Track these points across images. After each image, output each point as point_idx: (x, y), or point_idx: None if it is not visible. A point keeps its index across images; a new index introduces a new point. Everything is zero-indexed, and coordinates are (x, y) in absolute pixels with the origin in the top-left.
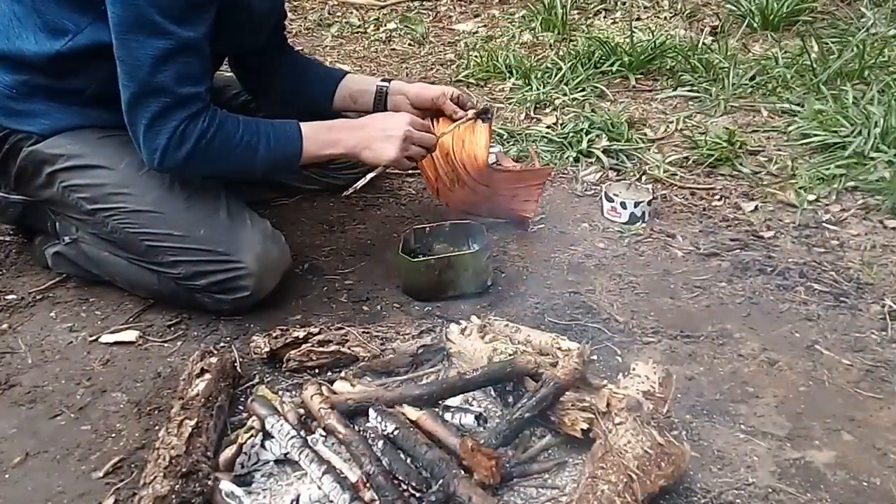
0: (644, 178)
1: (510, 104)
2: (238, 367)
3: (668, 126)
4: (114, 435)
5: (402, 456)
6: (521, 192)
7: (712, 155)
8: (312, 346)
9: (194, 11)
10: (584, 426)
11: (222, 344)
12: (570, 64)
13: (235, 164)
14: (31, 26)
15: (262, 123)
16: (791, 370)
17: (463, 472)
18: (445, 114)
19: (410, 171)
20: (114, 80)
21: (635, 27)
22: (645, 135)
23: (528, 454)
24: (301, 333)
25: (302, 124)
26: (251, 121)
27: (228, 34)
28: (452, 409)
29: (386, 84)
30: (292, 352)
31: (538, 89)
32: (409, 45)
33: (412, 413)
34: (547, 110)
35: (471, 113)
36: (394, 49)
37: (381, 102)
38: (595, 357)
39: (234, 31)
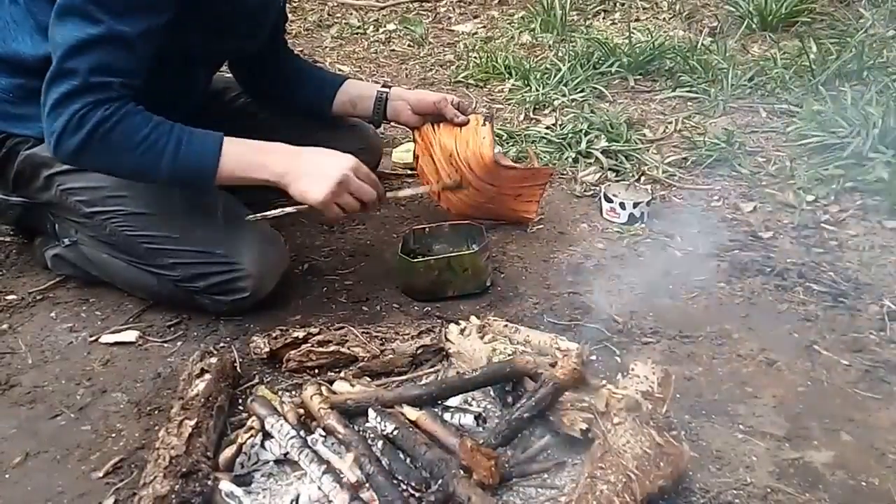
0: (643, 178)
1: (509, 105)
2: (238, 368)
3: (666, 127)
4: (114, 435)
5: (401, 456)
6: (525, 192)
7: (711, 155)
8: (312, 346)
9: (136, 7)
10: (583, 426)
11: (222, 344)
12: (569, 65)
13: (135, 163)
14: (26, 28)
15: (179, 128)
16: (790, 370)
17: (462, 472)
18: (446, 118)
19: (411, 172)
20: None
21: (634, 28)
22: (644, 135)
23: (527, 454)
24: (301, 334)
25: (230, 140)
26: (168, 124)
27: (222, 36)
28: (452, 409)
29: (386, 90)
30: (292, 352)
31: (537, 90)
32: (409, 46)
33: (412, 413)
34: (546, 111)
35: (472, 117)
36: (393, 50)
37: (380, 108)
38: (594, 357)
39: (227, 33)
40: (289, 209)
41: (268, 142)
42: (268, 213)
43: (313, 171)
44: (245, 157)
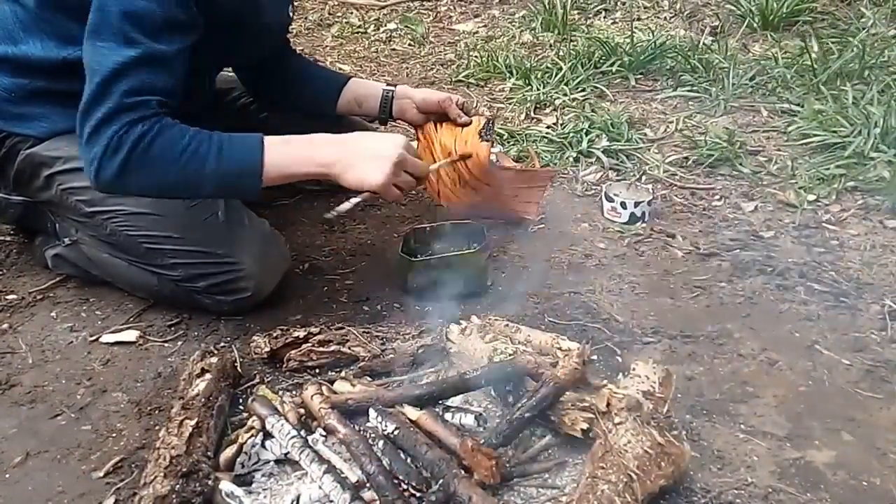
0: (644, 178)
1: (510, 104)
2: (238, 367)
3: (668, 126)
4: (114, 435)
5: (402, 456)
6: (524, 192)
7: (712, 155)
8: (313, 346)
9: (170, 26)
10: (584, 426)
11: (222, 344)
12: (570, 64)
13: (179, 174)
14: (36, 32)
15: (217, 135)
16: (791, 370)
17: (463, 472)
18: (450, 117)
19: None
20: None
21: (635, 27)
22: (645, 135)
23: (528, 454)
24: (301, 333)
25: (270, 138)
26: (206, 132)
27: (245, 47)
28: (452, 409)
29: (392, 88)
30: (292, 352)
31: (538, 89)
32: (410, 45)
33: (412, 413)
34: (547, 110)
35: (475, 118)
36: (394, 49)
37: (386, 107)
38: (595, 357)
39: (250, 43)
40: (356, 198)
41: (306, 135)
42: (342, 206)
43: (366, 156)
44: (289, 151)
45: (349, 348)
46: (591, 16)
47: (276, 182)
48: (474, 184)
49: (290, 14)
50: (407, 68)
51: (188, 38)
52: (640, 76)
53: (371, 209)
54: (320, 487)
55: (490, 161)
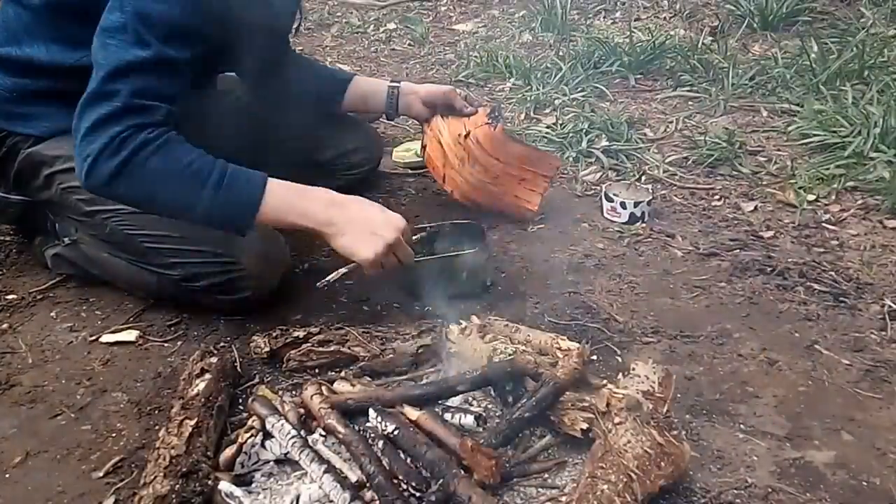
0: (644, 178)
1: (510, 104)
2: (238, 367)
3: (667, 126)
4: (114, 435)
5: (402, 456)
6: (530, 177)
7: (712, 155)
8: (312, 345)
9: (182, 33)
10: (584, 426)
11: (222, 344)
12: (569, 64)
13: (174, 192)
14: (41, 36)
15: (222, 163)
16: (791, 370)
17: (463, 472)
18: (456, 108)
19: (412, 171)
20: None
21: (635, 27)
22: (645, 135)
23: (528, 454)
24: (301, 333)
25: (274, 181)
26: (210, 157)
27: (251, 50)
28: (452, 409)
29: (397, 84)
30: (292, 352)
31: (538, 89)
32: (409, 45)
33: (412, 413)
34: (547, 110)
35: (480, 108)
36: (394, 49)
37: (393, 103)
38: (595, 357)
39: (256, 46)
40: (343, 269)
41: (311, 186)
42: (330, 277)
43: (363, 229)
44: (289, 199)
45: (349, 348)
46: (590, 16)
47: (267, 224)
48: (484, 159)
49: (299, 15)
50: (407, 68)
51: (198, 48)
52: (639, 76)
53: None
54: (320, 487)
55: (502, 130)
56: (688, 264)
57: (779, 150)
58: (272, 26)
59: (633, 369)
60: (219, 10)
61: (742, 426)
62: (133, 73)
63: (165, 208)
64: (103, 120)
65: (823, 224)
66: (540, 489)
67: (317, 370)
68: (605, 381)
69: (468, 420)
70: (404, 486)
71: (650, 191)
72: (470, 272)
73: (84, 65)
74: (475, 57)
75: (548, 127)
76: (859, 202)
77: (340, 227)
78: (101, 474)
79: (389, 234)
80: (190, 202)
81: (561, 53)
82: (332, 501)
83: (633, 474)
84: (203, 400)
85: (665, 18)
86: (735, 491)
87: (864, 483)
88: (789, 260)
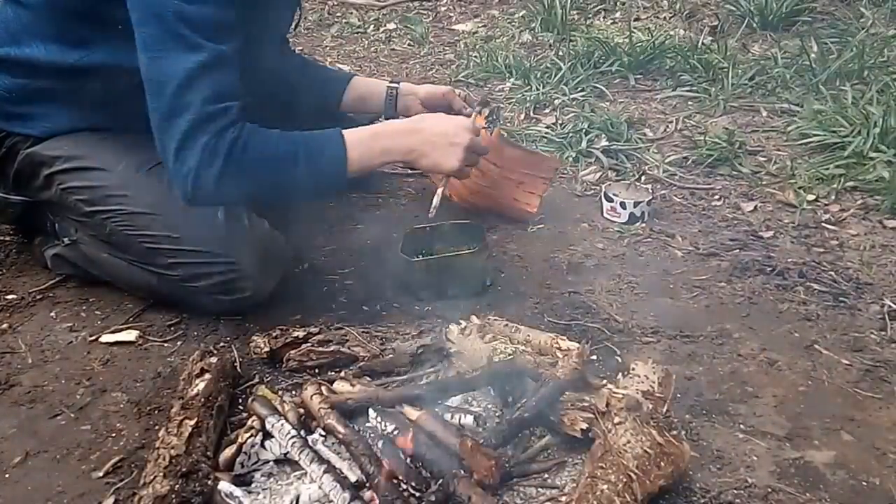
0: (643, 178)
1: (510, 104)
2: (238, 367)
3: (667, 126)
4: (114, 435)
5: (402, 456)
6: (528, 181)
7: (712, 155)
8: (312, 345)
9: (223, 28)
10: (584, 426)
11: (222, 344)
12: (569, 64)
13: (274, 176)
14: (39, 35)
15: (299, 134)
16: (790, 370)
17: (463, 472)
18: (454, 108)
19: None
20: (123, 89)
21: (635, 27)
22: (644, 135)
23: (528, 454)
24: (301, 333)
25: (346, 131)
26: (287, 133)
27: (255, 48)
28: (452, 409)
29: (396, 85)
30: (292, 352)
31: (538, 89)
32: (409, 45)
33: (412, 413)
34: (546, 110)
35: (476, 111)
36: (393, 49)
37: (392, 103)
38: (595, 357)
39: (258, 45)
40: (439, 190)
41: (377, 125)
42: (434, 202)
43: (440, 143)
44: (366, 145)
45: (349, 348)
46: (590, 16)
47: (358, 174)
48: (481, 164)
49: (299, 13)
50: (406, 68)
51: (237, 38)
52: (639, 76)
53: (371, 209)
54: (320, 487)
55: (499, 135)
56: (688, 264)
57: (779, 150)
58: (275, 23)
59: (633, 369)
60: (240, 1)
61: (742, 426)
62: (197, 80)
63: (271, 195)
64: (188, 135)
65: (823, 224)
66: (540, 489)
67: (317, 370)
68: (605, 381)
69: (468, 420)
70: (404, 486)
71: (650, 191)
72: (470, 272)
73: (84, 64)
74: (475, 57)
75: (547, 127)
76: (859, 202)
77: (420, 150)
78: (100, 474)
79: (464, 138)
80: (290, 182)
81: (561, 53)
82: (331, 501)
83: (632, 474)
84: (203, 400)
85: (665, 18)
86: (735, 491)
87: (864, 483)
88: (789, 260)
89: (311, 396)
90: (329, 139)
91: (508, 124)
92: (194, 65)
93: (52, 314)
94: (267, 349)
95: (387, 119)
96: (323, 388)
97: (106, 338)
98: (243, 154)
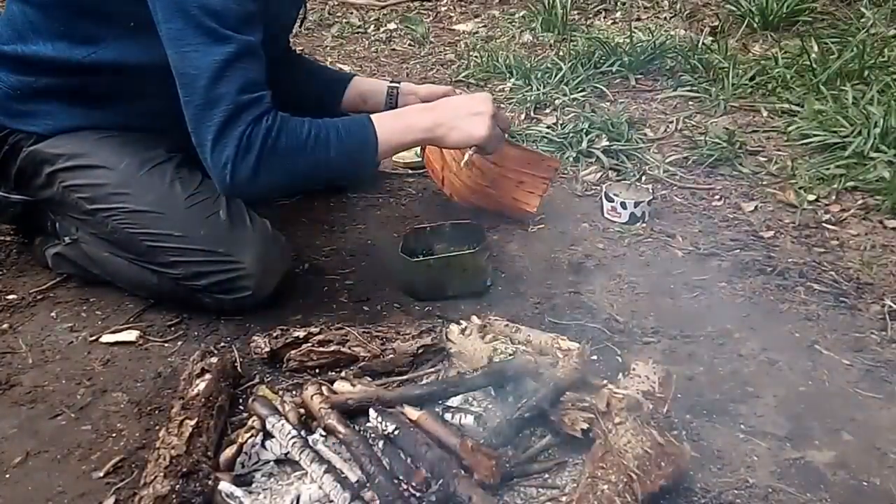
0: (644, 178)
1: (510, 104)
2: (238, 367)
3: (668, 126)
4: (114, 435)
5: (402, 456)
6: (528, 180)
7: (712, 155)
8: (313, 346)
9: (248, 18)
10: (584, 426)
11: (223, 344)
12: (570, 64)
13: (309, 161)
14: (46, 32)
15: (327, 120)
16: (791, 370)
17: (463, 472)
18: None
19: (412, 171)
20: (128, 87)
21: (635, 27)
22: (645, 135)
23: (528, 454)
24: (301, 333)
25: (374, 116)
26: (316, 120)
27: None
28: (452, 409)
29: (396, 85)
30: (292, 352)
31: (538, 89)
32: (410, 45)
33: (412, 413)
34: (547, 110)
35: None
36: (394, 49)
37: (392, 103)
38: (595, 357)
39: (270, 42)
40: (469, 151)
41: (400, 109)
42: (465, 158)
43: (464, 115)
44: (393, 126)
45: (349, 348)
46: (590, 16)
47: (386, 155)
48: (481, 164)
49: (304, 13)
50: (407, 68)
51: (261, 29)
52: (639, 76)
53: (371, 209)
54: (320, 487)
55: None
56: (688, 264)
57: (779, 150)
58: (282, 22)
59: (634, 369)
60: None
61: (742, 426)
62: (228, 72)
63: (306, 181)
64: (224, 126)
65: (823, 224)
66: (540, 489)
67: (317, 370)
68: (605, 381)
69: (468, 420)
70: (405, 486)
71: (650, 191)
72: (470, 272)
73: (91, 61)
74: (475, 57)
75: (548, 127)
76: (859, 202)
77: (447, 124)
78: (101, 474)
79: (487, 107)
80: (324, 167)
81: (561, 53)
82: (332, 501)
83: (633, 474)
84: (203, 400)
85: (665, 18)
86: (735, 491)
87: (865, 483)
88: (789, 260)
89: (312, 396)
90: (356, 122)
91: (509, 124)
92: (225, 56)
93: (53, 314)
94: (267, 349)
95: None
96: (323, 388)
97: (106, 338)
98: (277, 141)
